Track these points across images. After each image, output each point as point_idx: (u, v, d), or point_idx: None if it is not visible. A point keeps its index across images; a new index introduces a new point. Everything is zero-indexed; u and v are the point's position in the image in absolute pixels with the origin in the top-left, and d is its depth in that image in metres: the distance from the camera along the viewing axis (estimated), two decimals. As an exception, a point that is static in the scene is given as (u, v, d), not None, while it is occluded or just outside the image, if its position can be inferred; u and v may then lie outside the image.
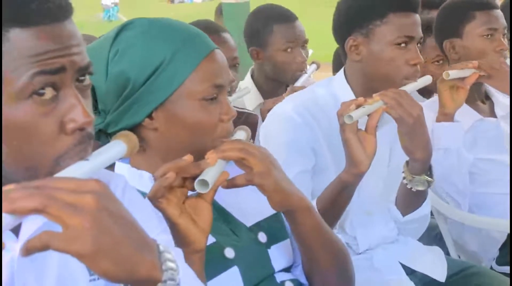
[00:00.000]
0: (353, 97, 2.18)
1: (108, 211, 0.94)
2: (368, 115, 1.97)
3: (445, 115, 2.64)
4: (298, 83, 3.17)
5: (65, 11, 1.09)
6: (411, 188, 2.13)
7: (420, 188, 2.13)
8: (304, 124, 2.16)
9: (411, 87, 2.15)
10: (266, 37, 3.34)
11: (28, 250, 0.90)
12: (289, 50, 3.32)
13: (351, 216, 2.08)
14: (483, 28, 2.77)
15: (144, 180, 1.57)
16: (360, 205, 2.07)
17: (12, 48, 1.03)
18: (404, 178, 2.14)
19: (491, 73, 2.62)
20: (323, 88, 2.28)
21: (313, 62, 3.47)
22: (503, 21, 2.83)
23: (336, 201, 1.97)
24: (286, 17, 3.36)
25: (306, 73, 3.30)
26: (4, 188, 0.91)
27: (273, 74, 3.38)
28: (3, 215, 0.88)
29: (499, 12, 2.83)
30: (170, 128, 1.55)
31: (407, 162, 2.12)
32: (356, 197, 2.04)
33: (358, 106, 1.93)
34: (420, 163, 2.10)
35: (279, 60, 3.32)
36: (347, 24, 2.26)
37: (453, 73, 2.55)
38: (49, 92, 1.06)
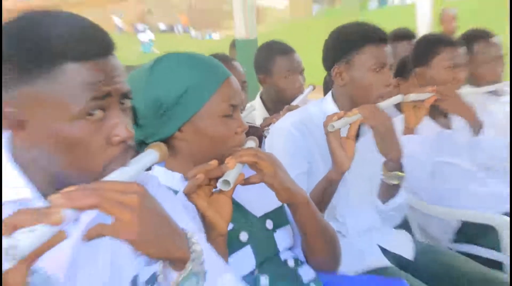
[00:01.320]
0: None
1: (148, 208, 0.99)
2: (350, 124, 2.00)
3: (408, 129, 2.66)
4: (295, 102, 3.16)
5: (109, 48, 1.10)
6: (388, 182, 2.13)
7: (395, 182, 2.13)
8: (300, 137, 2.16)
9: (385, 104, 2.15)
10: (270, 67, 3.32)
11: (89, 236, 0.96)
12: (289, 77, 3.29)
13: (343, 208, 2.08)
14: (448, 62, 2.75)
15: (175, 180, 1.59)
16: (350, 199, 2.07)
17: (67, 79, 1.04)
18: (382, 174, 2.14)
19: (444, 98, 2.64)
20: (316, 107, 2.27)
21: (310, 85, 3.46)
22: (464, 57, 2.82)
23: (324, 194, 1.97)
24: (286, 50, 3.34)
25: (302, 93, 3.29)
26: (65, 189, 0.94)
27: (276, 96, 3.35)
28: (67, 211, 0.91)
29: (463, 49, 2.81)
30: (196, 139, 1.56)
31: (384, 162, 2.12)
32: (346, 194, 2.03)
33: (340, 118, 1.97)
34: (394, 162, 2.11)
35: (281, 85, 3.30)
36: (333, 56, 2.25)
37: (412, 96, 2.57)
38: (99, 113, 1.07)
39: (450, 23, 6.84)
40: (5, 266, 0.85)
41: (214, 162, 1.43)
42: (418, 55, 2.85)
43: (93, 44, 1.07)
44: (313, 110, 2.24)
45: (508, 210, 2.69)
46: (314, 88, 3.52)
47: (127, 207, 0.96)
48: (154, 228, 0.99)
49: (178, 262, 1.07)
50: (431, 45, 2.82)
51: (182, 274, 1.07)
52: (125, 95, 1.12)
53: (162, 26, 40.53)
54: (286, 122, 2.21)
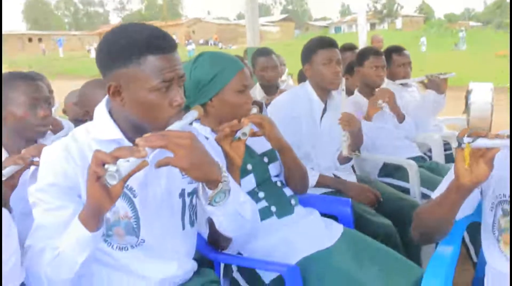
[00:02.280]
0: (315, 94, 2.12)
1: (196, 147, 1.01)
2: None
3: (369, 116, 2.60)
4: (282, 87, 3.10)
5: (174, 48, 1.08)
6: (349, 156, 2.11)
7: (354, 157, 2.11)
8: (290, 108, 2.08)
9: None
10: (255, 64, 3.25)
11: (158, 165, 1.01)
12: (266, 69, 3.21)
13: (317, 156, 2.02)
14: (374, 64, 2.66)
15: (206, 131, 1.54)
16: (321, 152, 1.99)
17: (149, 66, 1.04)
18: (347, 152, 2.07)
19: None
20: (301, 89, 2.17)
21: (291, 74, 3.38)
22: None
23: (328, 184, 2.00)
24: (264, 52, 3.24)
25: (285, 81, 3.22)
26: (145, 135, 0.97)
27: (262, 81, 3.28)
28: (147, 149, 0.93)
29: (383, 57, 2.72)
30: (221, 106, 1.51)
31: (348, 145, 2.07)
32: (319, 148, 1.95)
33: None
34: (357, 147, 2.13)
35: (262, 75, 3.23)
36: (303, 57, 2.14)
37: (379, 102, 2.55)
38: (166, 87, 1.06)
39: (378, 43, 6.76)
40: (112, 182, 0.89)
41: (235, 121, 1.39)
42: (357, 59, 2.77)
43: (165, 44, 1.05)
44: (299, 91, 2.16)
45: (412, 155, 2.70)
46: (292, 76, 3.46)
47: (183, 147, 0.98)
48: (199, 160, 1.01)
49: (213, 183, 1.08)
50: (364, 53, 2.75)
51: (215, 191, 1.09)
52: (181, 77, 1.10)
53: (201, 41, 40.84)
54: (281, 98, 2.15)
